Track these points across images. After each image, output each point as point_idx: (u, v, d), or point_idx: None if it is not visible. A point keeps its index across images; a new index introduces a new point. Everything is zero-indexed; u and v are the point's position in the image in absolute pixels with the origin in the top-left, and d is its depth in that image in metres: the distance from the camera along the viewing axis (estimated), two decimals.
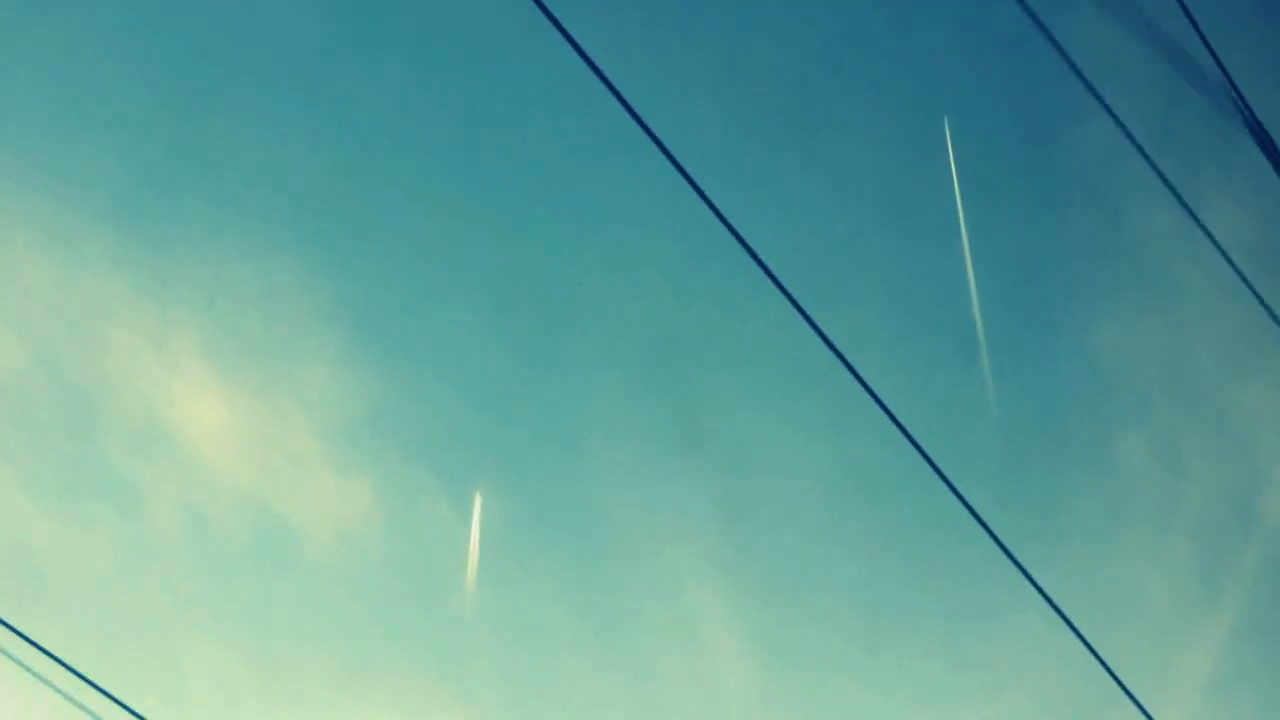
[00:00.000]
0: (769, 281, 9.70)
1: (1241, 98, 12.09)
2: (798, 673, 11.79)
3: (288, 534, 10.42)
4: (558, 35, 6.29)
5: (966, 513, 11.57)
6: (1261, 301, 11.85)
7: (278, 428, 10.53)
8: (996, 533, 12.11)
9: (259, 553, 10.36)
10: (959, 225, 12.08)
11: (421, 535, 10.81)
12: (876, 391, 11.31)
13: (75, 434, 10.00)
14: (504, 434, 11.17)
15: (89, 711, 7.80)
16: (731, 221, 7.63)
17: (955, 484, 11.22)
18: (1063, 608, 12.34)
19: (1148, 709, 10.56)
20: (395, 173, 11.12)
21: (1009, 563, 11.71)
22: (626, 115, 6.77)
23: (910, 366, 12.43)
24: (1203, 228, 11.70)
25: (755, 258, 7.94)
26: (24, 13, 9.76)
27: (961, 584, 12.17)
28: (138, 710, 7.64)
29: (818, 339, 11.15)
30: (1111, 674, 11.86)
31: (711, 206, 7.40)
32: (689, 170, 7.13)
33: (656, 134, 6.92)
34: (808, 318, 10.02)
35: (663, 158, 7.06)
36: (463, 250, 11.21)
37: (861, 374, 11.51)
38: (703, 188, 7.26)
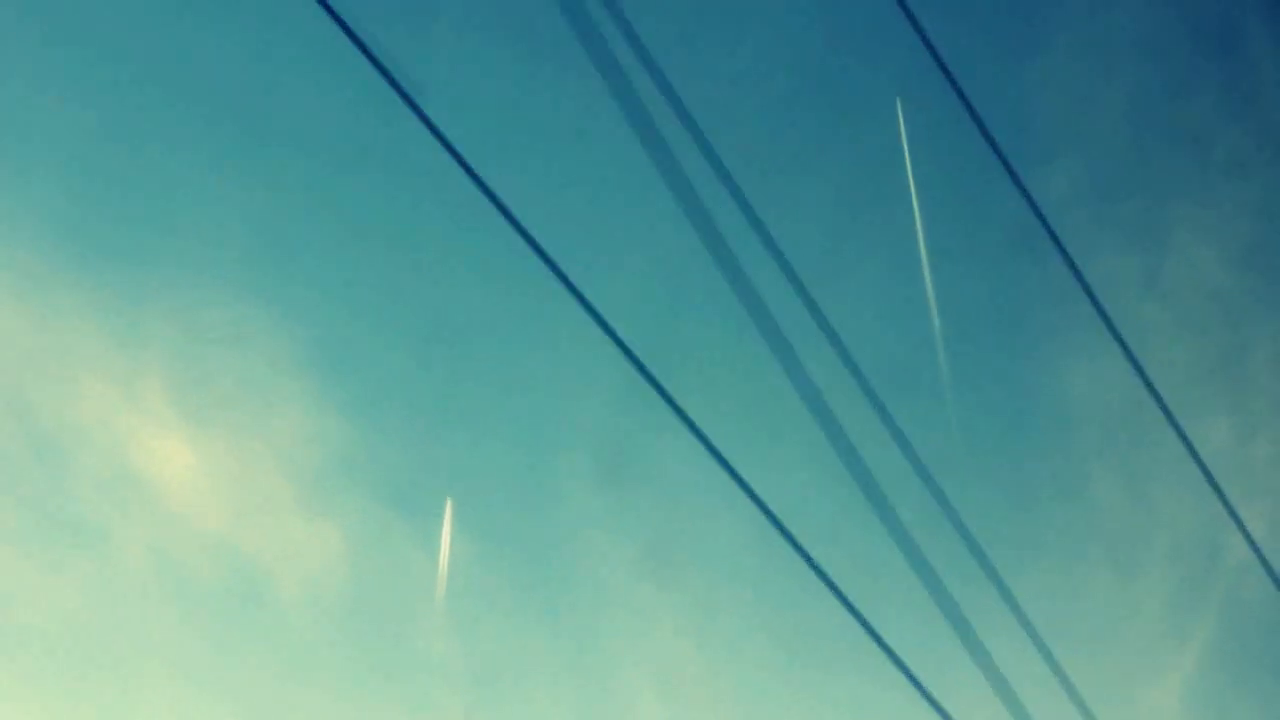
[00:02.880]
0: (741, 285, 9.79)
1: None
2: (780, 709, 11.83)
3: (257, 577, 10.44)
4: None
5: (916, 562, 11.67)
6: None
7: (247, 471, 10.56)
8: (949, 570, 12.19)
9: (229, 596, 10.38)
10: (921, 263, 12.19)
11: (391, 578, 10.84)
12: (844, 429, 11.41)
13: (44, 478, 10.02)
14: (474, 477, 11.21)
15: None
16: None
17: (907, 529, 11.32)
18: (1031, 636, 12.44)
19: None
20: (366, 217, 11.17)
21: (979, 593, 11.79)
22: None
23: (875, 403, 12.49)
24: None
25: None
26: None
27: (925, 617, 12.23)
28: None
29: (788, 380, 11.25)
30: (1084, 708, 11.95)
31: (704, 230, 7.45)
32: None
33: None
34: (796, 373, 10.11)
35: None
36: (435, 293, 11.27)
37: (832, 413, 11.61)
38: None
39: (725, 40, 12.33)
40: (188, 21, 10.56)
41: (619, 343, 9.48)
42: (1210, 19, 14.11)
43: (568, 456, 11.50)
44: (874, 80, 12.60)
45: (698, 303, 11.96)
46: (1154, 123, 14.08)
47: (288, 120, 10.95)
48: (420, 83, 8.71)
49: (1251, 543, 12.49)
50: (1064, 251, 11.69)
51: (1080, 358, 13.30)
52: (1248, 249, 13.99)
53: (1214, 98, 14.24)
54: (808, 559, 9.90)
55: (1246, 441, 13.71)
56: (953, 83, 11.16)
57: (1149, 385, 12.13)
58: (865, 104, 12.67)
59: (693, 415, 9.70)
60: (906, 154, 12.06)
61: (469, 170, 8.71)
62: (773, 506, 10.10)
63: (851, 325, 11.72)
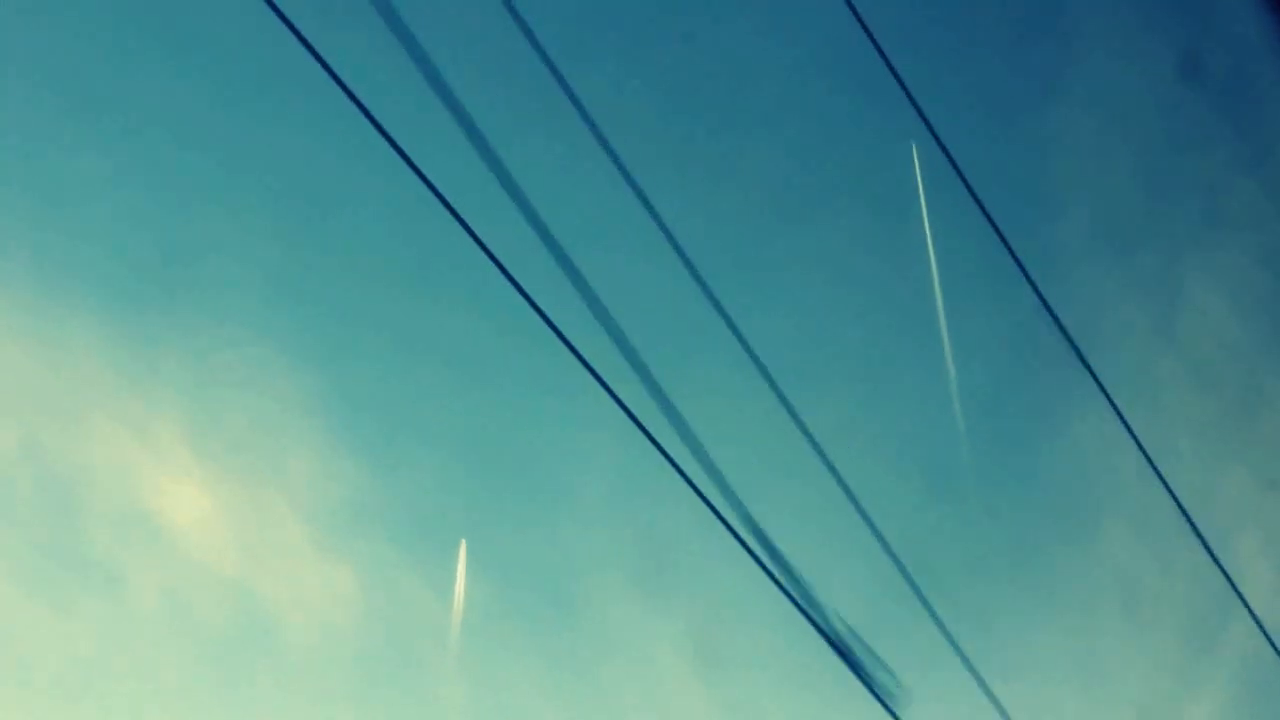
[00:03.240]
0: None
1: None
2: None
3: (270, 619, 10.42)
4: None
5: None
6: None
7: (261, 514, 10.56)
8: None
9: (241, 638, 10.36)
10: (939, 319, 12.18)
11: (404, 621, 10.82)
12: (853, 491, 11.36)
13: (58, 520, 10.02)
14: (487, 519, 11.21)
15: None
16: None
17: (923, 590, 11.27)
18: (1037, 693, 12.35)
19: None
20: (378, 260, 11.20)
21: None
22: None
23: (891, 461, 12.50)
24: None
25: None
26: (10, 97, 9.86)
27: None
28: None
29: (795, 428, 11.23)
30: None
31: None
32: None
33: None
34: (791, 410, 10.09)
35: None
36: (446, 337, 11.28)
37: (838, 470, 11.56)
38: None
39: (739, 135, 12.38)
40: (200, 69, 10.63)
41: (631, 417, 9.46)
42: (1219, 70, 14.16)
43: (581, 499, 11.49)
44: (890, 175, 12.58)
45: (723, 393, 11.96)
46: (1164, 175, 14.10)
47: (301, 168, 11.00)
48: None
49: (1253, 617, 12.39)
50: (1077, 350, 11.65)
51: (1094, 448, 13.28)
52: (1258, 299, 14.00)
53: (1225, 150, 14.28)
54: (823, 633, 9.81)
55: (1265, 490, 13.70)
56: (969, 189, 11.16)
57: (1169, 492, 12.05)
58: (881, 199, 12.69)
59: (710, 495, 9.64)
60: (929, 245, 12.05)
61: (472, 234, 8.73)
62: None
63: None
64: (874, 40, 10.72)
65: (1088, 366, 11.48)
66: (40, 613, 9.80)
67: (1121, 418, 11.48)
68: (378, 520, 10.89)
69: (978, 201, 11.34)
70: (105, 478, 10.16)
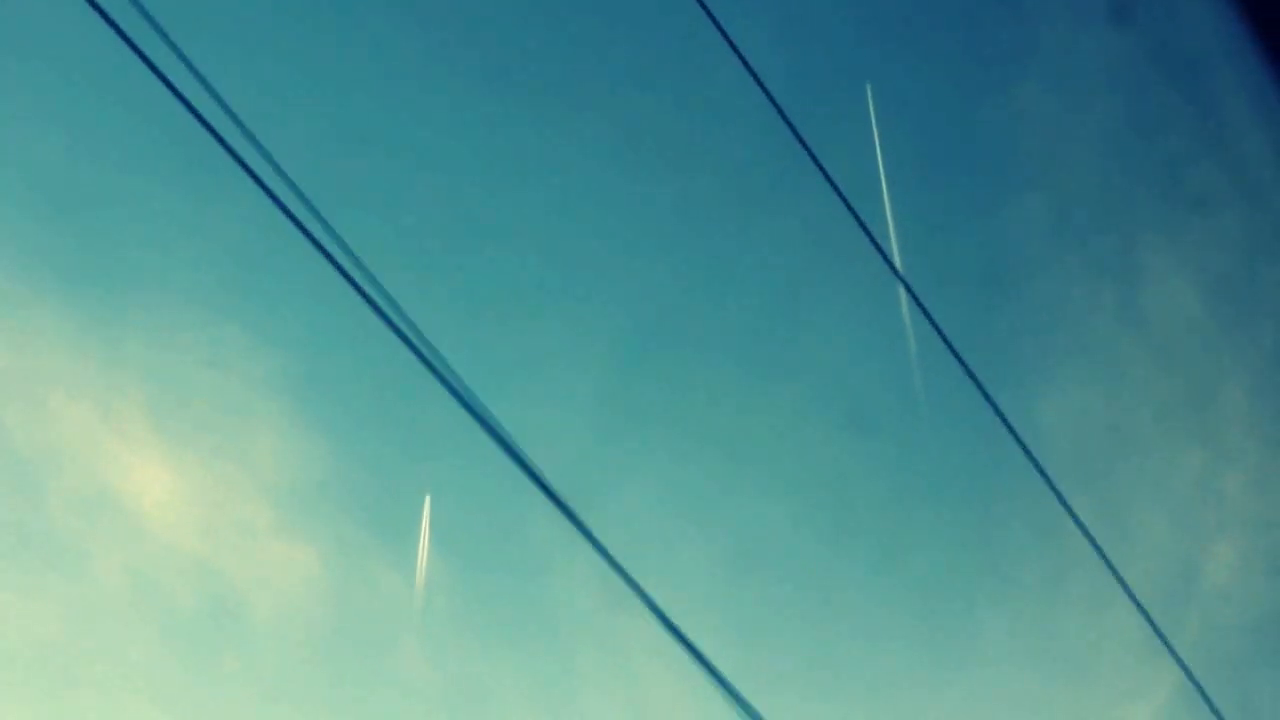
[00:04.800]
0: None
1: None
2: None
3: (234, 598, 10.44)
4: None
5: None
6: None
7: (225, 493, 10.57)
8: (944, 597, 12.19)
9: (205, 617, 10.38)
10: (899, 298, 12.23)
11: (367, 600, 10.84)
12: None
13: (20, 499, 10.02)
14: (452, 499, 11.22)
15: None
16: None
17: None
18: (1008, 670, 12.43)
19: None
20: (339, 240, 11.20)
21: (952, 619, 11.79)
22: None
23: (851, 435, 12.56)
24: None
25: None
26: None
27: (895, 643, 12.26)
28: None
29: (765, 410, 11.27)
30: None
31: None
32: None
33: None
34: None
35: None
36: (411, 314, 11.28)
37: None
38: None
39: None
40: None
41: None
42: (1179, 54, 14.24)
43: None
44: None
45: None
46: (1127, 157, 14.18)
47: (266, 140, 10.98)
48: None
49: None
50: (1049, 481, 11.66)
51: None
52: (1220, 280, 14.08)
53: (1186, 132, 14.36)
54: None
55: (1221, 473, 13.78)
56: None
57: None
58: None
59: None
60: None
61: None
62: None
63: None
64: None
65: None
66: (4, 595, 9.81)
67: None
68: (341, 499, 10.91)
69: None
70: (68, 457, 10.17)
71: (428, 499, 10.87)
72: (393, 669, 10.68)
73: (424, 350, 8.84)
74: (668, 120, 12.01)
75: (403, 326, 8.82)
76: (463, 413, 10.67)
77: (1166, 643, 11.69)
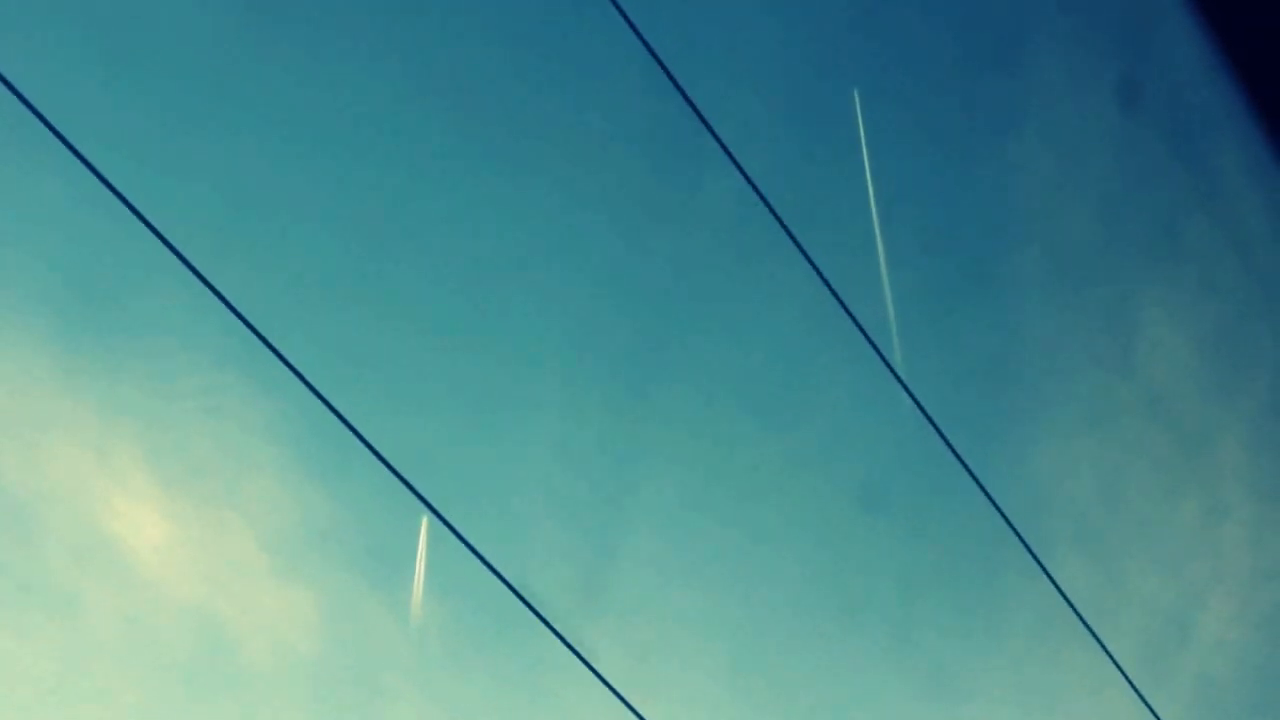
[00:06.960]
0: None
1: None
2: None
3: (230, 645, 10.37)
4: None
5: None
6: None
7: (221, 539, 10.51)
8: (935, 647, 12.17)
9: (201, 664, 10.31)
10: (893, 344, 12.25)
11: (364, 647, 10.79)
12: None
13: (13, 544, 9.95)
14: (447, 546, 11.18)
15: None
16: None
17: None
18: None
19: None
20: (335, 286, 11.21)
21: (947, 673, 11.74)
22: None
23: (846, 479, 12.55)
24: None
25: None
26: None
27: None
28: None
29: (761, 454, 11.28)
30: None
31: None
32: None
33: None
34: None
35: None
36: (405, 361, 11.29)
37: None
38: None
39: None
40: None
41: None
42: (1174, 111, 14.34)
43: (539, 529, 11.50)
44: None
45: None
46: (1122, 211, 14.26)
47: (261, 189, 10.99)
48: None
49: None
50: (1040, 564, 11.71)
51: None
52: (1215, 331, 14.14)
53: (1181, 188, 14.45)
54: None
55: (1218, 523, 13.80)
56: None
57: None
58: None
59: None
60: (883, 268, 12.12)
61: None
62: None
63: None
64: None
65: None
66: None
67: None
68: (338, 545, 10.86)
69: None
70: (63, 502, 10.11)
71: (424, 545, 10.84)
72: (388, 714, 10.63)
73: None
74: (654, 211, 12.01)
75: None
76: (460, 450, 10.63)
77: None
